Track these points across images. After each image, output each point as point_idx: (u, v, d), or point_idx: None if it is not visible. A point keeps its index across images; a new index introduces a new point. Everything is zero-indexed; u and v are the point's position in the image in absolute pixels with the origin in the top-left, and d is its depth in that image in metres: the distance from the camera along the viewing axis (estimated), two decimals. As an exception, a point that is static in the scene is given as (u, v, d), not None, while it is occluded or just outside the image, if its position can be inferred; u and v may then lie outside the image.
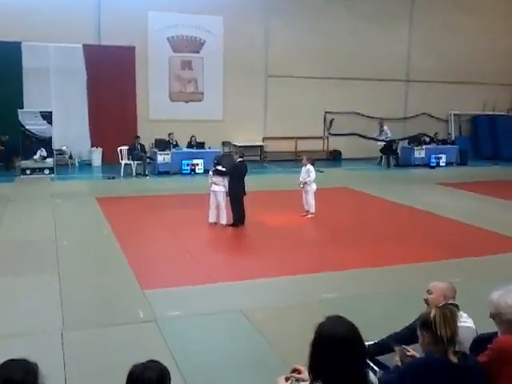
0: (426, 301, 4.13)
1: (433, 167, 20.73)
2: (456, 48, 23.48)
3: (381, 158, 21.19)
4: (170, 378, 2.62)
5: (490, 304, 3.31)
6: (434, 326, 2.89)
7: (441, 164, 21.09)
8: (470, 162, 21.76)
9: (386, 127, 21.44)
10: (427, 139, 22.00)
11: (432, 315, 2.93)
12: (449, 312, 2.93)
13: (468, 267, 8.27)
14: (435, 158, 21.08)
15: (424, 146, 21.21)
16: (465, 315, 3.82)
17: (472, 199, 14.27)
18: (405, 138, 22.44)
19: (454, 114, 24.44)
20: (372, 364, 3.65)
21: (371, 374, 2.68)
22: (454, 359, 2.89)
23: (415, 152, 20.95)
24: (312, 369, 2.51)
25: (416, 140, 21.52)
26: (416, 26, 23.29)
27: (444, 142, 22.07)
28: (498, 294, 3.34)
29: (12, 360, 2.48)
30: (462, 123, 24.86)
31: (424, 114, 23.77)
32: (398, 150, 21.32)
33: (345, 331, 2.50)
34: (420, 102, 23.42)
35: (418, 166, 20.63)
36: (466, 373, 2.89)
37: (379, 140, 21.30)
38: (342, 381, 2.45)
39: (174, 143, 18.34)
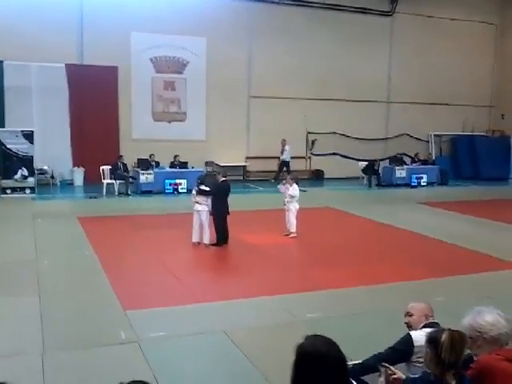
0: (407, 323, 4.14)
1: (414, 187, 20.97)
2: (436, 70, 23.98)
3: (363, 177, 21.37)
4: None
5: (467, 329, 3.31)
6: (441, 348, 2.89)
7: (422, 184, 21.35)
8: (451, 182, 22.07)
9: (287, 147, 21.07)
10: (408, 159, 22.28)
11: (442, 338, 2.93)
12: (458, 338, 2.93)
13: (450, 286, 8.33)
14: (416, 177, 21.34)
15: (405, 166, 21.48)
16: None
17: (453, 218, 14.42)
18: (386, 158, 22.71)
19: (435, 135, 24.84)
20: None
21: None
22: (452, 381, 2.89)
23: (396, 172, 21.18)
24: None
25: (397, 160, 21.78)
26: (396, 48, 23.76)
27: (425, 162, 22.36)
28: (470, 317, 3.38)
29: None
30: (442, 143, 25.26)
31: (405, 134, 24.12)
32: (380, 170, 21.52)
33: (323, 348, 2.52)
34: (401, 122, 23.79)
35: (400, 185, 20.85)
36: None
37: (283, 159, 21.15)
38: None
39: (155, 164, 18.32)
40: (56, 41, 18.25)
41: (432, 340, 3.01)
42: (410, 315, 4.14)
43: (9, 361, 5.53)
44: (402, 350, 3.89)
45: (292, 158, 21.66)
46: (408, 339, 3.90)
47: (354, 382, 3.62)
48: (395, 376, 3.44)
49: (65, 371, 5.40)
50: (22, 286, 8.05)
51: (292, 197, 11.62)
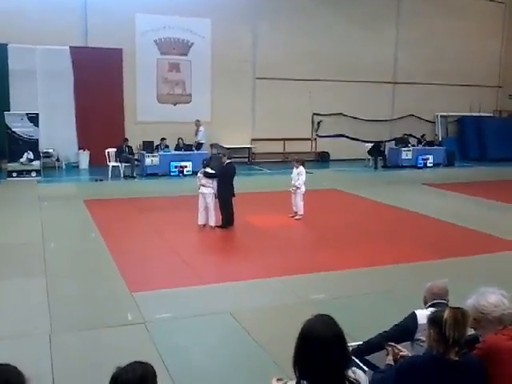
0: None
1: (420, 168, 20.87)
2: (442, 50, 23.70)
3: (369, 159, 21.28)
4: (155, 378, 2.60)
5: (471, 310, 3.29)
6: (444, 326, 2.89)
7: (428, 165, 21.23)
8: (457, 163, 21.95)
9: (202, 128, 19.67)
10: (414, 140, 22.16)
11: (444, 316, 2.93)
12: (461, 314, 2.93)
13: (455, 266, 8.32)
14: (422, 159, 21.22)
15: (411, 147, 21.35)
16: None
17: (459, 200, 14.38)
18: (392, 140, 22.58)
19: (441, 116, 24.65)
20: (362, 364, 3.66)
21: (361, 373, 2.69)
22: (454, 357, 2.90)
23: (402, 153, 21.06)
24: (297, 368, 2.52)
25: (403, 141, 21.65)
26: (403, 29, 23.47)
27: (431, 143, 22.22)
28: (473, 299, 3.37)
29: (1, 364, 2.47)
30: (448, 124, 25.07)
31: (411, 115, 23.93)
32: (386, 152, 21.42)
33: (323, 330, 2.52)
34: (407, 103, 23.58)
35: (406, 167, 20.75)
36: (464, 370, 2.90)
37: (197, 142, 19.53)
38: (324, 379, 2.47)
39: (164, 147, 18.29)
40: (60, 23, 18.12)
41: (434, 319, 3.01)
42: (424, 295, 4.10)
43: (17, 342, 5.59)
44: (407, 328, 3.90)
45: (297, 139, 21.57)
46: (413, 317, 3.91)
47: (358, 361, 3.66)
48: (403, 353, 3.46)
49: (72, 352, 5.46)
50: (28, 268, 8.10)
51: (299, 177, 11.63)
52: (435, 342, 2.96)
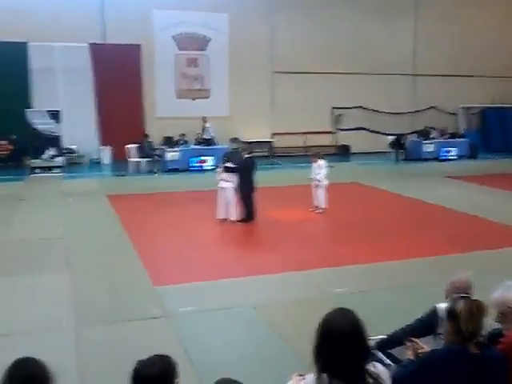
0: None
1: (442, 161, 20.62)
2: (464, 41, 23.35)
3: (390, 152, 21.06)
4: (175, 371, 2.61)
5: (497, 304, 3.28)
6: (458, 319, 2.87)
7: (450, 157, 20.98)
8: (480, 156, 21.64)
9: (208, 124, 19.00)
10: (436, 133, 21.89)
11: (458, 308, 2.91)
12: (476, 307, 2.90)
13: (479, 260, 8.20)
14: (445, 151, 20.98)
15: (433, 140, 21.11)
16: None
17: (483, 192, 14.17)
18: (413, 132, 22.35)
19: (463, 108, 24.30)
20: (384, 357, 3.65)
21: (381, 367, 2.67)
22: (475, 350, 2.87)
23: (424, 146, 20.85)
24: (317, 361, 2.52)
25: (425, 134, 21.42)
26: (421, 19, 23.18)
27: (453, 135, 21.95)
28: (499, 293, 3.34)
29: (24, 358, 2.51)
30: (471, 116, 24.72)
31: (432, 107, 23.65)
32: (407, 144, 21.20)
33: (343, 323, 2.51)
34: (428, 95, 23.31)
35: (428, 159, 20.52)
36: (486, 363, 2.87)
37: (203, 138, 18.90)
38: (343, 372, 2.46)
39: (183, 142, 18.37)
40: (78, 21, 18.29)
41: (450, 311, 2.99)
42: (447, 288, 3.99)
43: (42, 336, 5.66)
44: (428, 322, 3.87)
45: (317, 133, 21.48)
46: (433, 310, 3.88)
47: (381, 354, 3.64)
48: (422, 350, 3.43)
49: (97, 345, 5.51)
50: (53, 263, 8.21)
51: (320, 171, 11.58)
52: (451, 336, 2.94)
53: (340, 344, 2.46)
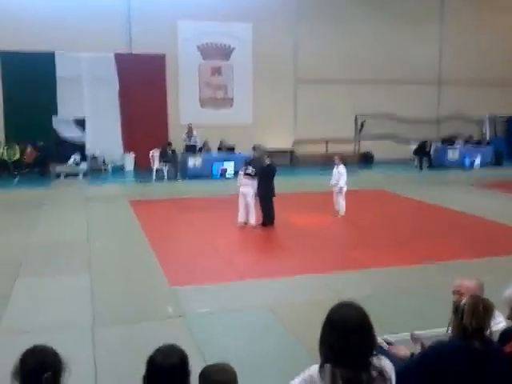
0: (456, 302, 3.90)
1: (467, 168, 20.36)
2: (489, 48, 23.06)
3: (414, 159, 20.87)
4: (187, 355, 2.64)
5: (508, 301, 3.28)
6: (462, 313, 2.85)
7: (475, 165, 20.69)
8: (506, 163, 21.29)
9: (195, 132, 18.63)
10: (461, 140, 21.62)
11: (462, 302, 2.91)
12: (482, 305, 2.87)
13: (500, 265, 8.06)
14: (469, 158, 20.70)
15: (458, 147, 20.86)
16: (497, 314, 3.56)
17: (507, 199, 13.93)
18: (438, 140, 22.11)
19: (489, 116, 23.96)
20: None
21: (387, 361, 2.64)
22: (480, 346, 2.84)
23: (449, 153, 20.61)
24: (321, 351, 2.53)
25: (449, 141, 21.18)
26: (447, 27, 22.99)
27: (478, 142, 21.66)
28: (511, 289, 3.28)
29: (36, 345, 2.55)
30: (496, 124, 24.36)
31: (457, 115, 23.37)
32: (431, 152, 20.98)
33: (349, 315, 2.53)
34: (453, 103, 23.06)
35: (452, 167, 20.28)
36: (488, 358, 2.83)
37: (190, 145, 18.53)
38: (347, 363, 2.45)
39: (206, 150, 18.51)
40: (105, 31, 18.64)
41: (455, 308, 2.96)
42: (461, 294, 3.73)
43: (61, 333, 5.73)
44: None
45: (340, 140, 21.43)
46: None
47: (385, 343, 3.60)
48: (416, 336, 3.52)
49: (114, 344, 5.56)
50: (74, 265, 8.32)
51: (340, 177, 11.55)
52: (455, 330, 2.91)
53: (344, 335, 2.46)
